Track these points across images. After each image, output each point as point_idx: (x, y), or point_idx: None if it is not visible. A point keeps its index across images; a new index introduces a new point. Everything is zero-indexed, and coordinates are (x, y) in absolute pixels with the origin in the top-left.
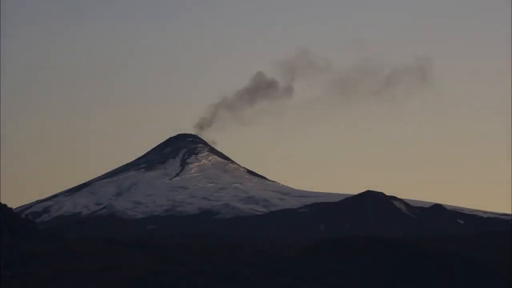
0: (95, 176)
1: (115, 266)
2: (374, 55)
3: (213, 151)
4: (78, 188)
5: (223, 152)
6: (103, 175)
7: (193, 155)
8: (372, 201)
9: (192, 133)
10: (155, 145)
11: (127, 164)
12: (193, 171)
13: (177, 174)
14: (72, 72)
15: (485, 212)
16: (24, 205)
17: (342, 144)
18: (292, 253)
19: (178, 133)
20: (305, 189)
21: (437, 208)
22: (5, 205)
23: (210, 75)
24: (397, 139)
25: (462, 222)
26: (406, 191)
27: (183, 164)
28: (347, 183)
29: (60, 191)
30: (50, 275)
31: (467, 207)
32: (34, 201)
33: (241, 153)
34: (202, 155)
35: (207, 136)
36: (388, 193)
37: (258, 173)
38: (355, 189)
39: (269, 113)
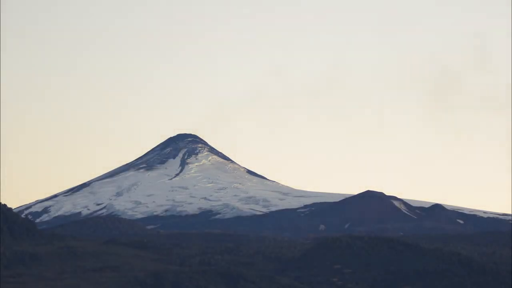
0: (95, 176)
1: (115, 266)
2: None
3: (213, 151)
4: (78, 188)
5: (223, 152)
6: (103, 175)
7: (193, 155)
8: (372, 201)
9: (192, 133)
10: (155, 145)
11: (127, 164)
12: (193, 171)
13: (177, 174)
14: (72, 72)
15: (485, 212)
16: (24, 205)
17: (342, 144)
18: (292, 253)
19: (178, 133)
20: (305, 189)
21: (437, 208)
22: (5, 205)
23: (210, 75)
24: (397, 139)
25: (462, 222)
26: (406, 191)
27: (183, 164)
28: (347, 183)
29: (60, 191)
30: (50, 275)
31: (467, 207)
32: (34, 201)
33: (241, 153)
34: (202, 155)
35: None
36: (388, 193)
37: (258, 173)
38: (355, 189)
39: (269, 113)
